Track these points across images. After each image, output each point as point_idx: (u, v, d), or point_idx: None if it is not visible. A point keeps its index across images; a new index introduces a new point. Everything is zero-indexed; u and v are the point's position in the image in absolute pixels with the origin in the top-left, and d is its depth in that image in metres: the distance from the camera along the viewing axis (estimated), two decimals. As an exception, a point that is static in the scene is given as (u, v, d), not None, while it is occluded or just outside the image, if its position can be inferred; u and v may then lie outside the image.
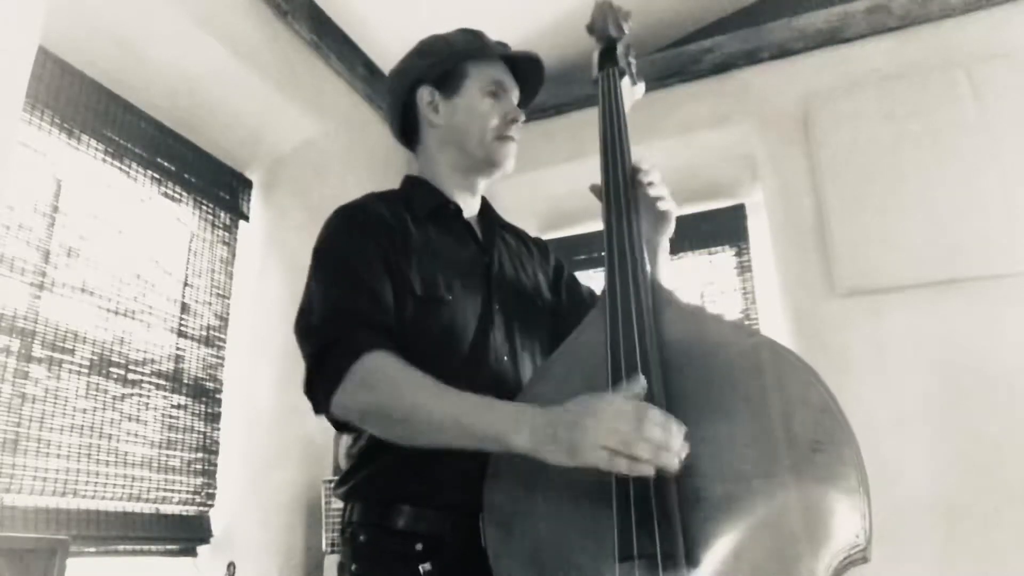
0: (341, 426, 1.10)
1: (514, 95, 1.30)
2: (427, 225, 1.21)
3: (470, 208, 1.31)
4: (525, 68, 1.31)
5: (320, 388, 1.04)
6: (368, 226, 1.15)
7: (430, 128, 1.28)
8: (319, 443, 2.53)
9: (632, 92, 1.37)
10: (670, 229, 1.26)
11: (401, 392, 0.99)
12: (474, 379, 1.09)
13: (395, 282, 1.11)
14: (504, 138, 1.25)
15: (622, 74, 1.33)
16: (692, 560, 0.84)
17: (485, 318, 1.17)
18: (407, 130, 1.32)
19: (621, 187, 1.18)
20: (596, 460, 0.84)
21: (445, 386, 0.98)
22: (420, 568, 1.02)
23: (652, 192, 1.20)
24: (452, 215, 1.26)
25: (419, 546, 1.04)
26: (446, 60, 1.26)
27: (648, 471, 0.83)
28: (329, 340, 1.04)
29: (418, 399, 0.98)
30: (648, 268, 1.09)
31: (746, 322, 2.90)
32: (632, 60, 1.37)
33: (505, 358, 1.16)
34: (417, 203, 1.24)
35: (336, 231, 1.17)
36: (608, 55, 1.35)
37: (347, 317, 1.06)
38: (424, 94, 1.27)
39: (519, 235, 1.40)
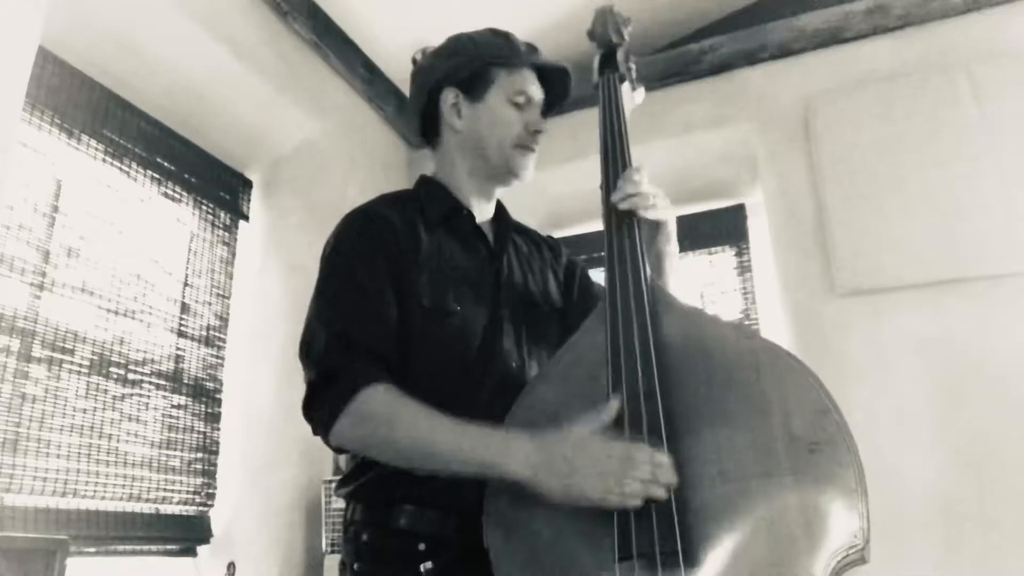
0: (338, 450, 1.13)
1: (539, 104, 1.27)
2: (438, 231, 1.20)
3: (484, 213, 1.29)
4: (552, 76, 1.29)
5: (318, 418, 1.07)
6: (377, 236, 1.14)
7: (450, 131, 1.25)
8: (319, 443, 2.51)
9: (632, 97, 1.37)
10: (669, 235, 1.21)
11: (398, 427, 1.01)
12: (481, 387, 1.11)
13: (402, 293, 1.11)
14: (524, 148, 1.24)
15: (622, 80, 1.33)
16: (690, 560, 0.85)
17: (494, 326, 1.16)
18: (427, 129, 1.30)
19: None
20: (590, 500, 0.90)
21: (442, 417, 0.99)
22: (421, 567, 1.03)
23: (638, 202, 1.13)
24: (464, 221, 1.25)
25: (421, 546, 1.04)
26: (473, 63, 1.23)
27: (637, 503, 0.88)
28: (328, 369, 1.06)
29: (414, 434, 1.00)
30: (648, 270, 1.09)
31: (746, 322, 2.90)
32: (632, 66, 1.37)
33: (514, 364, 1.16)
34: (429, 208, 1.22)
35: (345, 241, 1.16)
36: (608, 61, 1.35)
37: (348, 346, 1.06)
38: (448, 96, 1.24)
39: (532, 237, 1.39)
